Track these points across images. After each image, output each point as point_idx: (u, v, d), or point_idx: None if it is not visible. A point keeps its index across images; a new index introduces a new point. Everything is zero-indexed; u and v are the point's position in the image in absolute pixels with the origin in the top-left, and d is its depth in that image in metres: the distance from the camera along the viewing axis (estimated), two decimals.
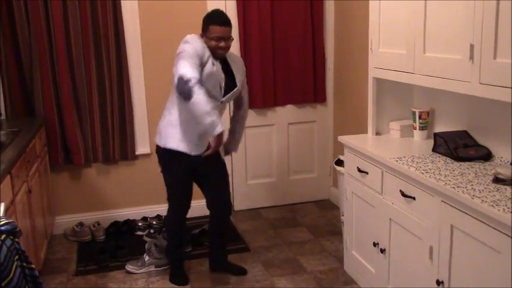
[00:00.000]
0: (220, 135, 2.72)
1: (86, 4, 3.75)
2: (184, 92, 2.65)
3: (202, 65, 2.80)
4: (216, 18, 2.88)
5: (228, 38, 2.89)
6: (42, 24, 3.68)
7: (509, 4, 1.97)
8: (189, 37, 2.86)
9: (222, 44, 2.85)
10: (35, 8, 3.64)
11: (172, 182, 3.11)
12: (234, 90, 3.02)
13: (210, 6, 4.02)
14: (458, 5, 2.25)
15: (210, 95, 2.81)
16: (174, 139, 2.95)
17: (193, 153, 2.95)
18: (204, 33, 2.89)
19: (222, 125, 2.70)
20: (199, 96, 2.63)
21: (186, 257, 3.50)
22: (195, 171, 3.07)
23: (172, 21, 4.01)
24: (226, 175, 3.22)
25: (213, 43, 2.85)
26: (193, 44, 2.80)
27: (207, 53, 2.85)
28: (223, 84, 2.96)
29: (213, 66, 2.85)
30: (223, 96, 2.99)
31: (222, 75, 2.95)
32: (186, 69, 2.67)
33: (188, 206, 3.19)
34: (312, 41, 4.26)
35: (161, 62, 4.03)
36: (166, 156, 3.03)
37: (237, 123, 3.29)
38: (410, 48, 2.64)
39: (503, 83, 2.02)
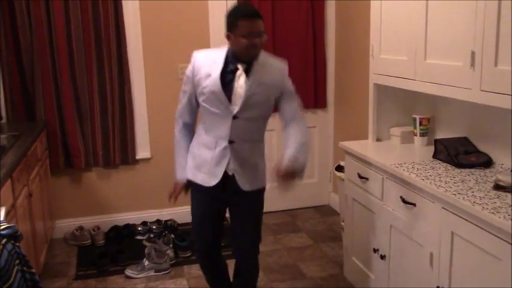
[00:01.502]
0: (177, 184, 2.58)
1: (88, 7, 3.76)
2: None
3: (197, 81, 2.42)
4: (244, 10, 2.35)
5: (261, 33, 2.34)
6: (43, 28, 3.69)
7: (511, 12, 1.98)
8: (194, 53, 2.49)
9: (255, 40, 2.31)
10: (37, 12, 3.65)
11: (193, 214, 2.67)
12: (244, 98, 2.36)
13: (212, 7, 4.06)
14: (460, 12, 2.26)
15: (214, 114, 2.41)
16: (189, 167, 2.58)
17: (206, 184, 2.50)
18: (232, 33, 2.33)
19: (185, 173, 2.55)
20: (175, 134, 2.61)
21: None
22: (221, 204, 2.62)
23: (173, 26, 4.03)
24: (255, 216, 2.65)
25: (244, 41, 2.29)
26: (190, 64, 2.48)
27: (209, 62, 2.41)
28: (234, 93, 2.38)
29: (208, 78, 2.38)
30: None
31: (239, 84, 2.38)
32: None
33: (211, 249, 2.68)
34: (313, 45, 4.27)
35: (162, 66, 4.05)
36: (188, 185, 2.64)
37: (286, 141, 2.53)
38: (412, 54, 2.64)
39: (504, 90, 2.03)
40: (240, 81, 2.37)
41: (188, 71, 2.47)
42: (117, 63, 3.89)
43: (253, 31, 2.30)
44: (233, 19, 2.33)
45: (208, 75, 2.38)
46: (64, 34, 3.73)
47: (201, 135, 2.51)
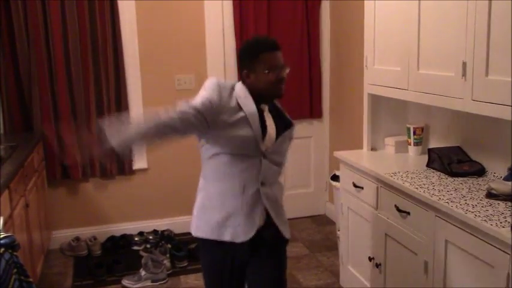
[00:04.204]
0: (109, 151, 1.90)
1: (85, 20, 3.79)
2: None
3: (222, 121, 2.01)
4: (265, 42, 2.09)
5: (286, 66, 2.11)
6: (41, 39, 3.72)
7: (500, 23, 2.02)
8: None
9: (283, 74, 2.08)
10: (34, 24, 3.69)
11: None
12: (290, 129, 2.20)
13: (208, 19, 4.10)
14: (451, 23, 2.30)
15: (239, 155, 2.06)
16: (207, 224, 2.15)
17: (238, 240, 2.10)
18: (251, 70, 2.06)
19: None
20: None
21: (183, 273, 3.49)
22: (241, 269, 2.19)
23: (170, 38, 4.06)
24: (285, 271, 2.27)
25: (271, 76, 2.03)
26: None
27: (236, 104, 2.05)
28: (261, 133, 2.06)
29: (241, 123, 2.03)
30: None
31: (269, 123, 2.12)
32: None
33: None
34: (308, 56, 4.32)
35: (159, 78, 4.07)
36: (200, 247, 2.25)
37: None
38: (405, 65, 2.68)
39: (494, 99, 2.06)
40: (270, 121, 2.12)
41: (214, 97, 1.98)
42: (114, 74, 3.92)
43: (277, 64, 2.06)
44: (253, 53, 2.06)
45: (239, 109, 2.03)
46: (61, 45, 3.76)
47: (219, 183, 2.10)
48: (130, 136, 1.92)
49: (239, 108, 2.04)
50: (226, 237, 2.08)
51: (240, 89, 2.08)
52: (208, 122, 1.96)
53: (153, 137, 1.97)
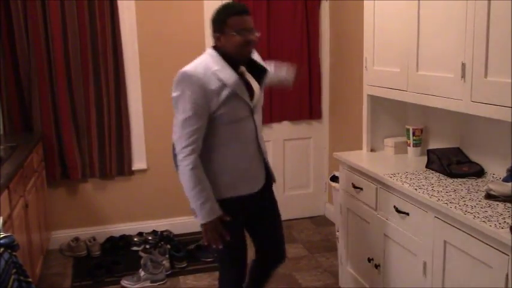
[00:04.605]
0: (208, 225, 2.23)
1: (85, 20, 3.80)
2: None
3: (211, 99, 2.17)
4: (232, 7, 2.23)
5: (254, 30, 2.23)
6: (41, 41, 3.72)
7: (500, 24, 2.02)
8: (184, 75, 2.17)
9: (250, 36, 2.20)
10: (34, 25, 3.69)
11: (233, 243, 2.38)
12: (266, 76, 2.40)
13: (207, 19, 4.11)
14: (451, 25, 2.30)
15: (237, 121, 2.27)
16: (222, 185, 2.29)
17: (254, 190, 2.38)
18: (221, 33, 2.21)
19: (213, 212, 2.22)
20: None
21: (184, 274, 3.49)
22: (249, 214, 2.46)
23: (170, 39, 4.07)
24: (279, 213, 2.59)
25: (239, 38, 2.17)
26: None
27: (214, 78, 2.17)
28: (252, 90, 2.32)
29: (224, 88, 2.18)
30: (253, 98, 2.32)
31: (249, 79, 2.33)
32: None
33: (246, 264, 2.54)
34: (308, 57, 4.32)
35: (159, 77, 4.08)
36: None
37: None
38: (404, 66, 2.68)
39: (494, 101, 2.07)
40: (252, 80, 2.31)
41: (195, 94, 2.14)
42: (113, 75, 3.92)
43: (245, 27, 2.19)
44: (222, 17, 2.20)
45: (222, 86, 2.17)
46: (61, 47, 3.77)
47: (226, 150, 2.28)
48: (213, 201, 2.24)
49: (222, 84, 2.18)
50: (243, 191, 2.32)
51: (214, 61, 2.22)
52: (207, 113, 2.19)
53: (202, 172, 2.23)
